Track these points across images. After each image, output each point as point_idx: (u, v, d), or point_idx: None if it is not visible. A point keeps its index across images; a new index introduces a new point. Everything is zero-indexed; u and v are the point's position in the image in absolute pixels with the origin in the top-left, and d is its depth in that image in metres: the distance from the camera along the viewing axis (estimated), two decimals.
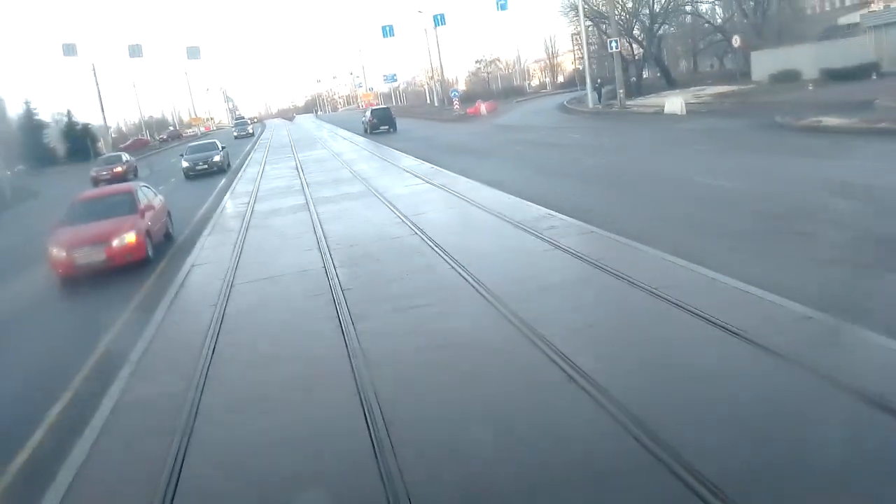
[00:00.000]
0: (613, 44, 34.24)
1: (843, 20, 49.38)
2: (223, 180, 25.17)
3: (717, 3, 51.44)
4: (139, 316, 8.65)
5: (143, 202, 12.98)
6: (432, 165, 19.95)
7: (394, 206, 13.56)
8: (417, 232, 10.82)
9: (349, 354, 6.02)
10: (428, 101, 79.75)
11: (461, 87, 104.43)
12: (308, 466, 4.43)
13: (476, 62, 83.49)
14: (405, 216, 12.28)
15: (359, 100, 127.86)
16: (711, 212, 10.04)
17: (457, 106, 48.09)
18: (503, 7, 36.32)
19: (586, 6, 40.37)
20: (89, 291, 10.73)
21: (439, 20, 42.67)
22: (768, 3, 50.22)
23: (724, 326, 5.41)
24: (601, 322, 6.33)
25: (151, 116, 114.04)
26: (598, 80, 44.04)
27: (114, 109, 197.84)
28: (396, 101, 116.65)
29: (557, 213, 10.72)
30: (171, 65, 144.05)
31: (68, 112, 68.27)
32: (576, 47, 68.01)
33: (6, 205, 29.96)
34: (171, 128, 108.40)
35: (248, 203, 17.21)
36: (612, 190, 13.23)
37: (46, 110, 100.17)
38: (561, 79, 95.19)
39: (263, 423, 5.05)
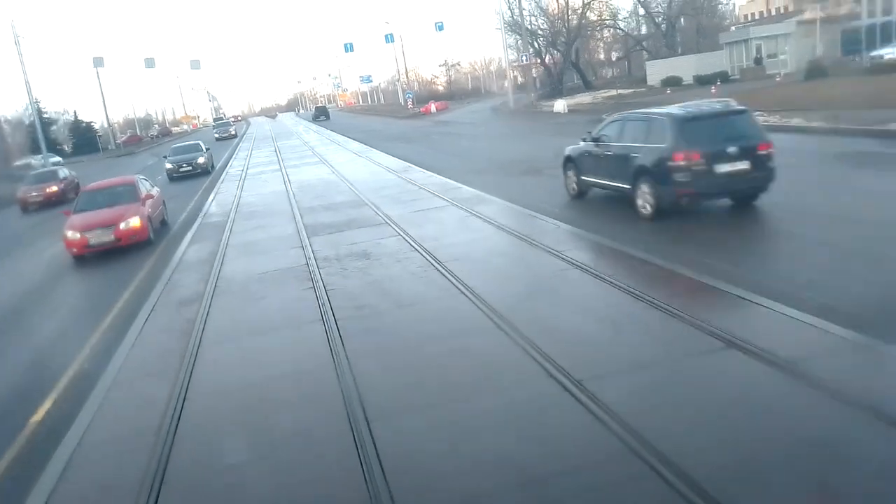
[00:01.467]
0: (524, 58, 43.94)
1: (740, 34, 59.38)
2: (225, 154, 34.43)
3: (627, 21, 60.82)
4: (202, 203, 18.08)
5: (143, 192, 14.83)
6: (368, 147, 29.47)
7: (332, 167, 23.06)
8: (339, 177, 20.29)
9: (291, 206, 15.51)
10: (399, 101, 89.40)
11: (440, 87, 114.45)
12: (271, 208, 13.84)
13: (440, 66, 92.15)
14: (336, 171, 21.78)
15: (337, 99, 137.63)
16: (484, 163, 19.59)
17: (410, 105, 57.66)
18: (440, 28, 46.06)
19: (511, 20, 50.04)
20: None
21: (390, 38, 52.49)
22: (676, 20, 60.26)
23: (437, 196, 14.92)
24: (392, 196, 15.66)
25: (152, 115, 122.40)
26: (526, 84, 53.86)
27: (100, 107, 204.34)
28: (374, 100, 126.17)
29: (415, 166, 20.20)
30: (163, 68, 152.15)
31: (74, 112, 77.34)
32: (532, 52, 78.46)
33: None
34: (156, 125, 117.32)
35: (244, 169, 26.68)
36: (455, 157, 22.81)
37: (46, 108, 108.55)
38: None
39: (260, 219, 14.48)
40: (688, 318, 5.93)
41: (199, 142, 32.04)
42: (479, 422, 4.69)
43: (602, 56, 65.96)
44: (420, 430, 4.70)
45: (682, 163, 9.53)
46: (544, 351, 5.54)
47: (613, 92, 46.00)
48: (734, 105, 10.70)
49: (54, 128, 77.89)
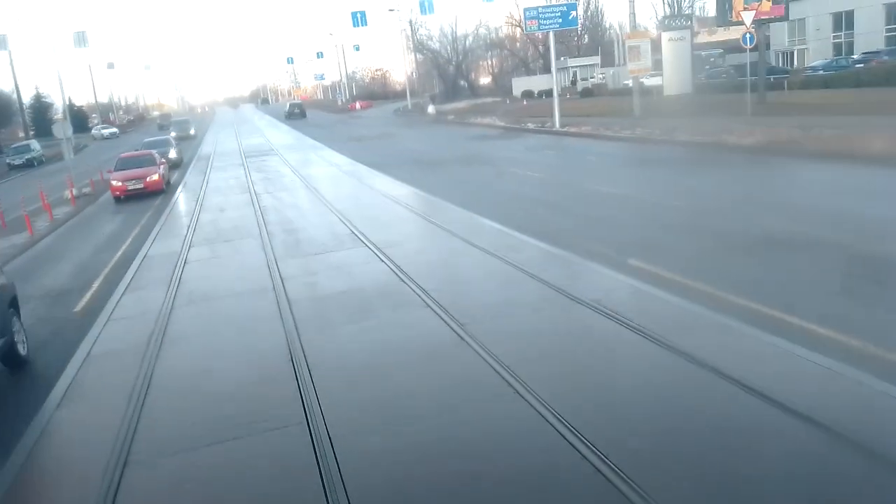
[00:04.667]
0: (413, 73, 62.28)
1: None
2: (201, 133, 52.28)
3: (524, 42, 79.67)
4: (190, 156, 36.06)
5: (159, 159, 23.12)
6: (292, 129, 47.55)
7: (267, 139, 41.26)
8: (267, 140, 38.58)
9: (240, 151, 33.68)
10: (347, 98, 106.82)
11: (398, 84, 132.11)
12: (231, 151, 31.91)
13: (376, 70, 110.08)
14: (269, 141, 39.96)
15: (292, 93, 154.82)
16: (338, 135, 37.84)
17: (339, 103, 75.55)
18: (356, 49, 64.12)
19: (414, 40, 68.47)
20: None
21: (321, 55, 70.44)
22: (547, 43, 79.19)
23: (304, 145, 33.26)
24: (288, 147, 33.73)
25: (117, 100, 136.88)
26: (432, 92, 72.35)
27: (69, 92, 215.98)
28: (331, 96, 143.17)
29: (307, 137, 38.37)
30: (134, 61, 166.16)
31: (69, 98, 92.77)
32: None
33: (77, 149, 56.02)
34: (121, 111, 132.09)
35: (216, 140, 44.66)
36: (332, 133, 41.00)
37: (27, 91, 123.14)
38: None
39: (225, 145, 32.59)
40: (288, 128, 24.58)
41: (170, 136, 35.20)
42: (271, 175, 22.94)
43: (495, 70, 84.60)
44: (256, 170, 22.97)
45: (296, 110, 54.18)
46: (274, 145, 23.89)
47: (486, 100, 64.49)
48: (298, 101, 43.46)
49: (51, 111, 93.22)
